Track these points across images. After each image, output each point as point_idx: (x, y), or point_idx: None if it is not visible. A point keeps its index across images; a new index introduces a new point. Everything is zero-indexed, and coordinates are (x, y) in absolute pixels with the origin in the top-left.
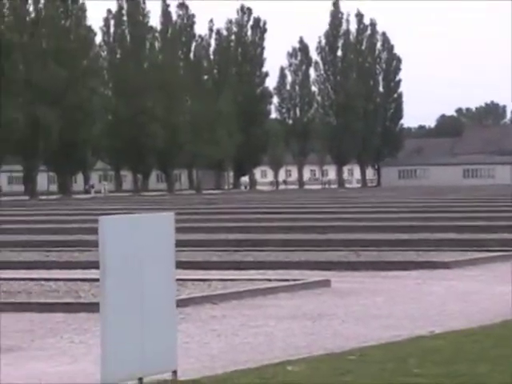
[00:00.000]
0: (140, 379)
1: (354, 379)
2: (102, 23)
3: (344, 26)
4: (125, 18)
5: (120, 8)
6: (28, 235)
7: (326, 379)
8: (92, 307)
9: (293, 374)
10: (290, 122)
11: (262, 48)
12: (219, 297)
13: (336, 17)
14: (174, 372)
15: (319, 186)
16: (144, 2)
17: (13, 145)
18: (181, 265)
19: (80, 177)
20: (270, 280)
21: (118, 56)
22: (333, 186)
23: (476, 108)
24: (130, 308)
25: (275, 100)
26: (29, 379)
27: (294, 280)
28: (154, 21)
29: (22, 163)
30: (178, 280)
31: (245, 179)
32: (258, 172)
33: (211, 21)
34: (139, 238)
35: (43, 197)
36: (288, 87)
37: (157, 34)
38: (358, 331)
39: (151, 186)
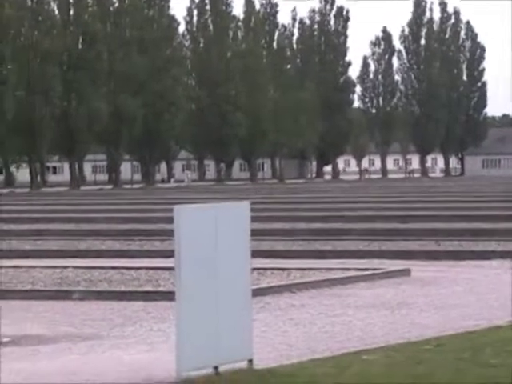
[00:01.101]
0: (215, 368)
1: (429, 368)
2: (185, 13)
3: (427, 15)
4: (208, 8)
5: None
6: (111, 224)
7: (401, 368)
8: (171, 296)
9: (368, 363)
10: (373, 111)
11: (345, 37)
12: (298, 286)
13: (419, 5)
14: (250, 361)
15: (402, 176)
16: None
17: (97, 134)
18: (261, 254)
19: (163, 166)
20: (349, 269)
21: (201, 45)
22: (416, 175)
23: None
24: (205, 297)
25: (358, 89)
26: (106, 367)
27: (374, 269)
28: (237, 10)
29: (106, 152)
30: (257, 269)
31: (328, 168)
32: (341, 161)
33: (294, 10)
34: (214, 227)
35: (127, 186)
36: (371, 76)
37: (240, 23)
38: (437, 320)
39: (234, 175)
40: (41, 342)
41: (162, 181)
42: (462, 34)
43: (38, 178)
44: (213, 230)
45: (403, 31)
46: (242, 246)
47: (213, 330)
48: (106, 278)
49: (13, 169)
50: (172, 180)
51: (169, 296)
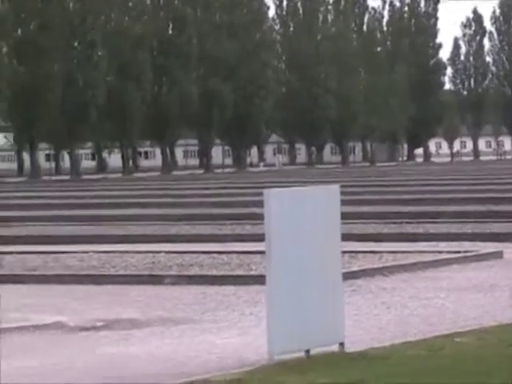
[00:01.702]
0: (307, 351)
1: None
2: None
3: None
4: None
5: None
6: (202, 209)
7: (494, 350)
8: (263, 279)
9: (460, 346)
10: (465, 93)
11: (436, 19)
12: (390, 269)
13: None
14: (341, 344)
15: (494, 158)
16: None
17: (188, 119)
18: (352, 237)
19: (254, 150)
20: (441, 252)
21: (291, 29)
22: (508, 157)
23: None
24: (296, 280)
25: (449, 71)
26: (199, 351)
27: (466, 252)
28: None
29: (197, 137)
30: (348, 252)
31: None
32: (432, 144)
33: None
34: (304, 211)
35: (218, 170)
36: (462, 58)
37: (329, 7)
38: None
39: (325, 158)
40: (134, 326)
41: (251, 165)
42: None
43: (130, 163)
44: (303, 213)
45: (494, 12)
46: (333, 229)
47: (304, 314)
48: (197, 262)
49: (105, 154)
50: (261, 164)
51: (260, 280)
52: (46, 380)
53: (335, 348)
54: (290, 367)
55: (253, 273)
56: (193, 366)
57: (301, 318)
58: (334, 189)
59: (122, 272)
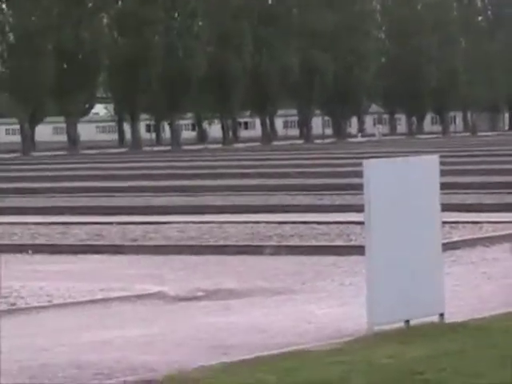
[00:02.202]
0: (407, 321)
1: None
2: None
3: None
4: None
5: None
6: (302, 179)
7: None
8: (362, 250)
9: None
10: None
11: None
12: (491, 239)
13: None
14: (441, 315)
15: None
16: None
17: (288, 90)
18: (452, 207)
19: (354, 120)
20: None
21: None
22: None
23: None
24: (395, 251)
25: None
26: (298, 321)
27: None
28: None
29: (297, 108)
30: (449, 223)
31: None
32: None
33: None
34: (403, 181)
35: (318, 141)
36: None
37: None
38: None
39: (426, 128)
40: (233, 296)
41: (350, 135)
42: None
43: (230, 133)
44: (402, 183)
45: None
46: (432, 199)
47: (404, 284)
48: (297, 232)
49: (205, 125)
50: (359, 135)
51: (360, 250)
52: (150, 349)
53: (435, 319)
54: (390, 338)
55: (352, 243)
56: (292, 336)
57: (400, 289)
58: (434, 159)
59: (221, 242)
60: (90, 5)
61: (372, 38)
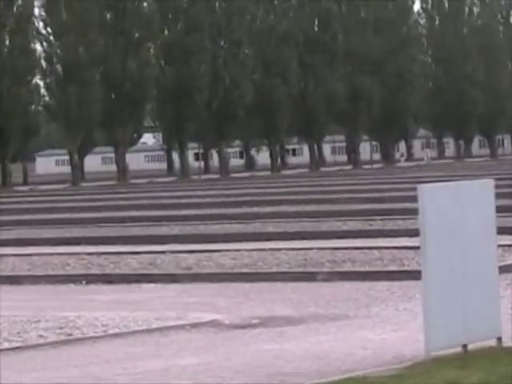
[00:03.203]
0: (464, 346)
1: None
2: None
3: None
4: None
5: None
6: (352, 204)
7: None
8: (416, 275)
9: None
10: None
11: None
12: None
13: None
14: (499, 339)
15: None
16: None
17: (335, 115)
18: (506, 230)
19: (402, 145)
20: None
21: (437, 23)
22: None
23: None
24: (451, 275)
25: None
26: (354, 347)
27: None
28: None
29: (345, 133)
30: (503, 246)
31: None
32: None
33: None
34: (459, 205)
35: (366, 166)
36: None
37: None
38: None
39: (474, 151)
40: (288, 322)
41: (398, 160)
42: None
43: (278, 160)
44: (457, 207)
45: None
46: (488, 223)
47: (461, 308)
48: (349, 258)
49: (253, 152)
50: (402, 159)
51: (414, 275)
52: (207, 377)
53: (492, 343)
54: (448, 363)
55: (406, 268)
56: (349, 363)
57: (457, 313)
58: (489, 183)
59: (274, 269)
60: (137, 35)
61: (418, 62)
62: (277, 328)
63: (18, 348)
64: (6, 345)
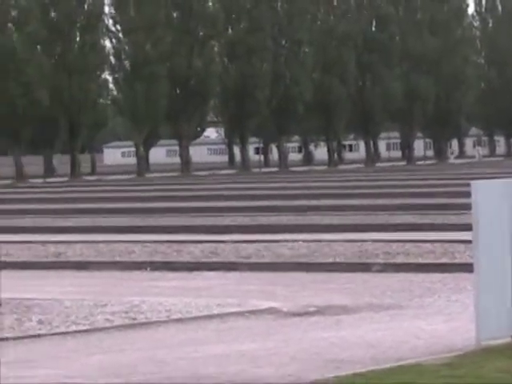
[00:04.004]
0: None
1: None
2: None
3: None
4: None
5: None
6: (404, 199)
7: None
8: (467, 267)
9: None
10: None
11: None
12: None
13: None
14: None
15: None
16: None
17: (391, 113)
18: None
19: (455, 142)
20: None
21: (490, 25)
22: None
23: None
24: (503, 268)
25: None
26: (407, 336)
27: None
28: None
29: (400, 130)
30: None
31: None
32: None
33: None
34: (510, 201)
35: (419, 162)
36: None
37: None
38: None
39: None
40: (344, 311)
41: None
42: None
43: (335, 155)
44: (508, 203)
45: None
46: None
47: (511, 300)
48: (403, 250)
49: (311, 147)
50: (452, 156)
51: (464, 268)
52: (265, 362)
53: None
54: (499, 352)
55: (457, 261)
56: (402, 351)
57: (508, 304)
58: None
59: (330, 260)
60: (202, 34)
61: (471, 63)
62: (333, 316)
63: (85, 331)
64: (73, 328)
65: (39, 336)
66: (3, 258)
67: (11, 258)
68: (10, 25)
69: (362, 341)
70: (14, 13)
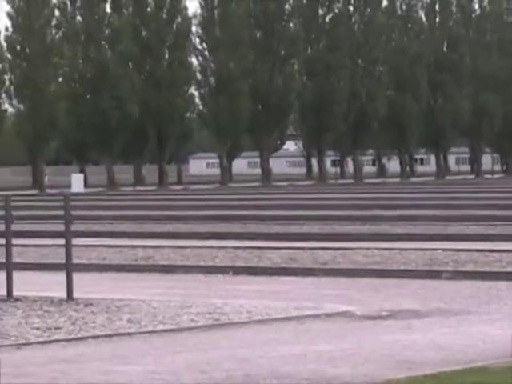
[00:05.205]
0: None
1: None
2: None
3: None
4: None
5: None
6: (473, 210)
7: None
8: None
9: None
10: None
11: None
12: None
13: None
14: None
15: None
16: None
17: (460, 129)
18: None
19: None
20: None
21: None
22: None
23: None
24: None
25: None
26: (475, 340)
27: None
28: None
29: (469, 146)
30: None
31: None
32: None
33: None
34: None
35: (487, 175)
36: None
37: None
38: None
39: None
40: (415, 316)
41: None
42: None
43: (407, 168)
44: None
45: None
46: None
47: None
48: (471, 259)
49: (384, 160)
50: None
51: None
52: (341, 362)
53: None
54: None
55: None
56: (470, 354)
57: None
58: None
59: (402, 267)
60: (283, 52)
61: None
62: (404, 320)
63: (171, 330)
64: (160, 327)
65: (129, 334)
66: (97, 261)
67: (105, 261)
68: (103, 43)
69: (433, 344)
70: (107, 32)
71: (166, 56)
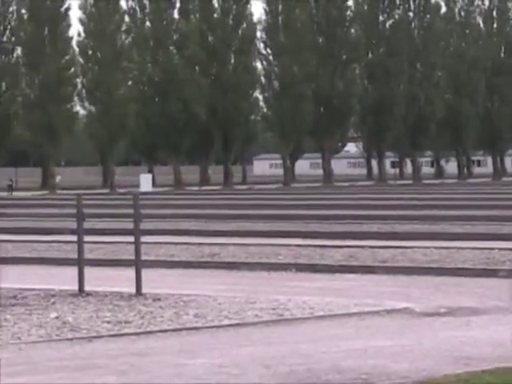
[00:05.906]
0: None
1: None
2: None
3: None
4: None
5: None
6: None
7: None
8: None
9: None
10: None
11: None
12: None
13: None
14: None
15: None
16: None
17: None
18: None
19: None
20: None
21: None
22: None
23: None
24: None
25: None
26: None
27: None
28: None
29: None
30: None
31: None
32: None
33: None
34: None
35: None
36: None
37: None
38: None
39: None
40: (473, 313)
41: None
42: None
43: (465, 170)
44: None
45: None
46: None
47: None
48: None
49: (442, 162)
50: None
51: None
52: (401, 358)
53: None
54: None
55: None
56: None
57: None
58: None
59: (460, 265)
60: (344, 57)
61: None
62: (463, 317)
63: (236, 325)
64: (226, 322)
65: (196, 329)
66: (165, 258)
67: (172, 257)
68: (171, 48)
69: (491, 340)
70: (175, 37)
71: (232, 60)
